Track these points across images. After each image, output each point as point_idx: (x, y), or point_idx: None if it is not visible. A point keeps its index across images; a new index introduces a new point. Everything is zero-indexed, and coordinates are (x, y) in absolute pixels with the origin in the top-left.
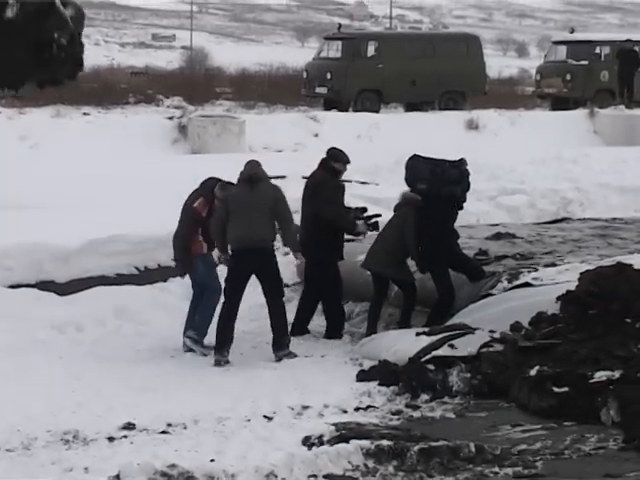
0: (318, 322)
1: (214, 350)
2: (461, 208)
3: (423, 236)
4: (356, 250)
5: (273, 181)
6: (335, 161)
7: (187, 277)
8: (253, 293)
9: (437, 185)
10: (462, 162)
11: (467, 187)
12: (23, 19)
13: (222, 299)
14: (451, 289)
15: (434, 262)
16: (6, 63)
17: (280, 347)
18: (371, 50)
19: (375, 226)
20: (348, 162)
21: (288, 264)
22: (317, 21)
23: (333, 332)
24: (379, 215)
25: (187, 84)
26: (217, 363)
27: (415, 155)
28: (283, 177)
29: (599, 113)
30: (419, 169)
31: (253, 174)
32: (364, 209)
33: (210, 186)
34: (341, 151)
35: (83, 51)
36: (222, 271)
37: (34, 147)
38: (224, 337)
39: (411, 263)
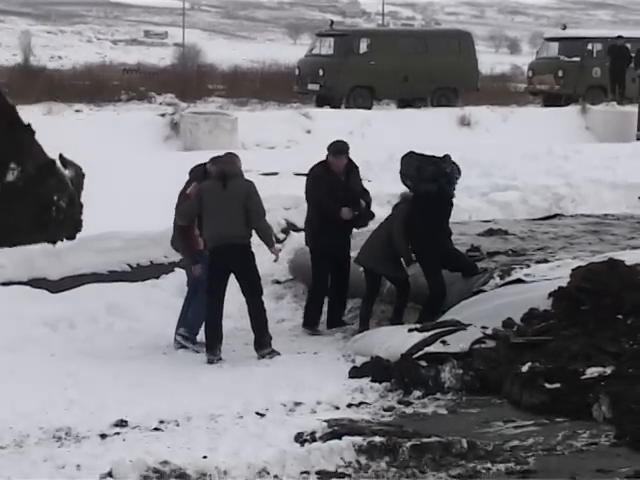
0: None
1: (206, 349)
2: (450, 205)
3: (412, 233)
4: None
5: (256, 177)
6: (328, 153)
7: (183, 274)
8: None
9: (416, 182)
10: (443, 159)
11: (447, 184)
12: (24, 182)
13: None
14: (442, 285)
15: (424, 258)
16: (4, 227)
17: (262, 346)
18: (363, 47)
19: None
20: (339, 152)
21: (281, 260)
22: (309, 18)
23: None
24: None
25: (179, 81)
26: (210, 362)
27: (410, 152)
28: (275, 174)
29: (591, 109)
30: (407, 166)
31: (227, 170)
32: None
33: (201, 171)
34: (336, 142)
35: (82, 212)
36: None
37: None
38: (214, 336)
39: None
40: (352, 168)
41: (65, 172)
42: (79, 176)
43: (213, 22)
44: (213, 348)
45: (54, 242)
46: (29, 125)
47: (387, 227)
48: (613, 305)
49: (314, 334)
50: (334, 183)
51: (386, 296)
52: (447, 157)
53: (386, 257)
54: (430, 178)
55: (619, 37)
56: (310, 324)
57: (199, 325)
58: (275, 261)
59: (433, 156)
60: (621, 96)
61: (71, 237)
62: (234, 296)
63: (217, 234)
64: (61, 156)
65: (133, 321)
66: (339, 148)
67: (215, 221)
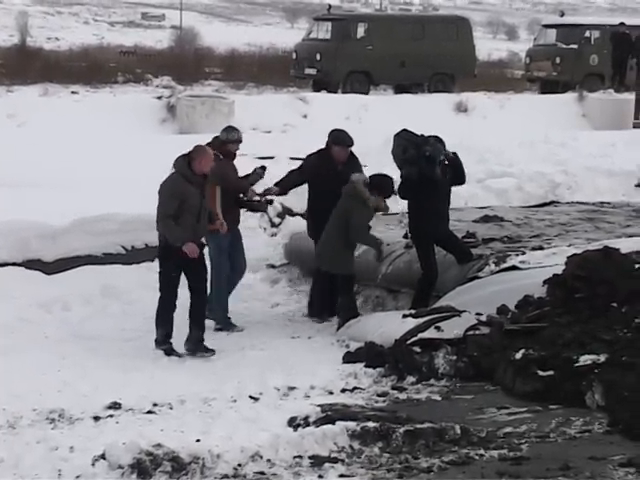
0: (304, 304)
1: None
2: (435, 186)
3: (409, 214)
4: None
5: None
6: (334, 143)
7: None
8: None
9: (401, 164)
10: (426, 141)
11: (427, 167)
12: None
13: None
14: (434, 268)
15: (417, 241)
16: None
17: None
18: (361, 31)
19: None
20: (348, 144)
21: (277, 245)
22: (307, 2)
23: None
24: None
25: (176, 64)
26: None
27: (402, 130)
28: (271, 158)
29: (588, 97)
30: (396, 147)
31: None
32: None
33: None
34: (343, 133)
35: None
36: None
37: (22, 125)
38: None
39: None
40: (352, 159)
41: None
42: None
43: (211, 5)
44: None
45: None
46: None
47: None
48: (608, 293)
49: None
50: (331, 172)
51: (381, 282)
52: (429, 139)
53: (335, 253)
54: (411, 161)
55: (621, 24)
56: (312, 314)
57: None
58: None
59: (422, 136)
60: (620, 84)
61: None
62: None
63: None
64: None
65: (127, 304)
66: (348, 141)
67: None
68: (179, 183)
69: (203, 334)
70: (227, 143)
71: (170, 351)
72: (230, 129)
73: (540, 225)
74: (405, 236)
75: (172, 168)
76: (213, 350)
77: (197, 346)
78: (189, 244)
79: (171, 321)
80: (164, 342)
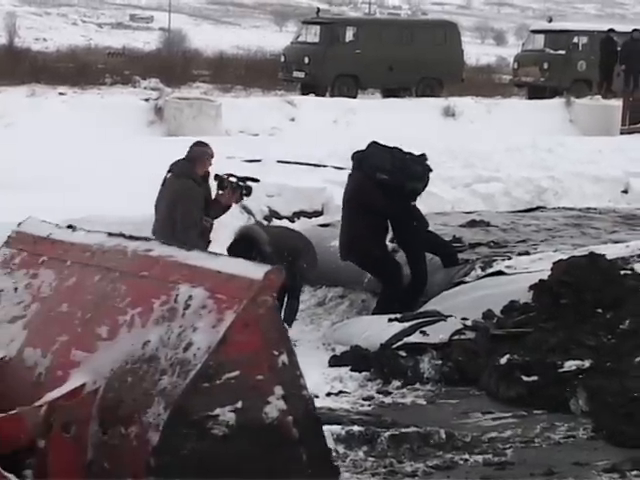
0: None
1: None
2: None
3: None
4: (329, 235)
5: (248, 165)
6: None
7: None
8: None
9: (400, 179)
10: (425, 158)
11: (427, 184)
12: None
13: None
14: (425, 275)
15: (410, 245)
16: None
17: None
18: (349, 35)
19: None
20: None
21: None
22: (295, 5)
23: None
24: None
25: (164, 66)
26: None
27: (374, 142)
28: (258, 161)
29: (575, 103)
30: (380, 158)
31: (173, 165)
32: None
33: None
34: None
35: None
36: None
37: (9, 127)
38: None
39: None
40: None
41: None
42: None
43: (199, 7)
44: None
45: None
46: None
47: None
48: (593, 299)
49: None
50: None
51: (367, 285)
52: (425, 156)
53: None
54: (419, 177)
55: (610, 30)
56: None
57: None
58: None
59: (401, 150)
60: (607, 90)
61: None
62: None
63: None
64: None
65: None
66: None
67: (154, 222)
68: (196, 189)
69: None
70: None
71: None
72: None
73: (526, 230)
74: (392, 240)
75: (170, 172)
76: None
77: None
78: None
79: None
80: None
